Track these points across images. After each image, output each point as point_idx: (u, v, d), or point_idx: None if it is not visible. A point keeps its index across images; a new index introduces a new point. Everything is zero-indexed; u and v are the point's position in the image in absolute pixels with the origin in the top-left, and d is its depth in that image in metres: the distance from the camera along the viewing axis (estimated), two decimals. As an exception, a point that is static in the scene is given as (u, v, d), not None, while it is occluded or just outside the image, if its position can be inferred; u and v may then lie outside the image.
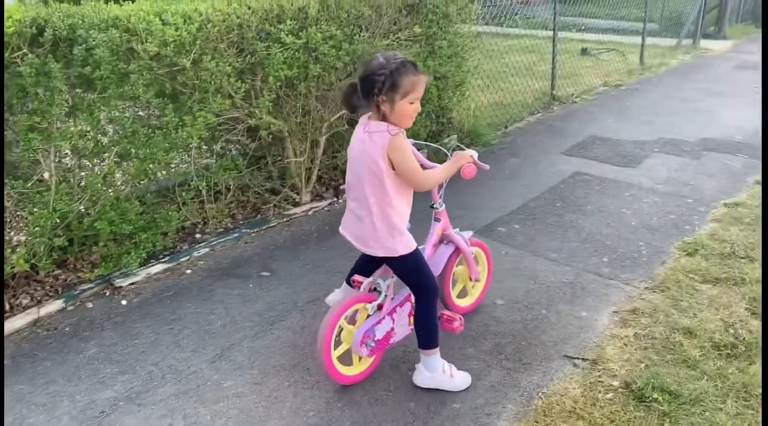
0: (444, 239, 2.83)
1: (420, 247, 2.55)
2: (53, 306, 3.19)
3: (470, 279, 3.01)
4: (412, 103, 2.24)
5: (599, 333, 2.92)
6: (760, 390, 2.48)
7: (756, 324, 2.92)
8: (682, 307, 3.07)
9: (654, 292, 3.24)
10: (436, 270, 2.73)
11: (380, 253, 2.41)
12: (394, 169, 2.27)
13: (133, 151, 3.43)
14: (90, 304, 3.25)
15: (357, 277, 2.62)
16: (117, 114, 3.31)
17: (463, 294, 3.11)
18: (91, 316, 3.15)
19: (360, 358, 2.61)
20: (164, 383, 2.65)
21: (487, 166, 2.58)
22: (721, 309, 3.04)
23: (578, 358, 2.74)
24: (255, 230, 4.08)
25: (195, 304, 3.24)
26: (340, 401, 2.52)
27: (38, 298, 3.23)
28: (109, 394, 2.59)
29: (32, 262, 3.18)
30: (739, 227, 3.94)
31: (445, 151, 2.73)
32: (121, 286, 3.39)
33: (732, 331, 2.87)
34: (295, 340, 2.93)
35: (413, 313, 2.59)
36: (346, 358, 2.59)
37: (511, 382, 2.60)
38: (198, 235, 3.98)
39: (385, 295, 2.56)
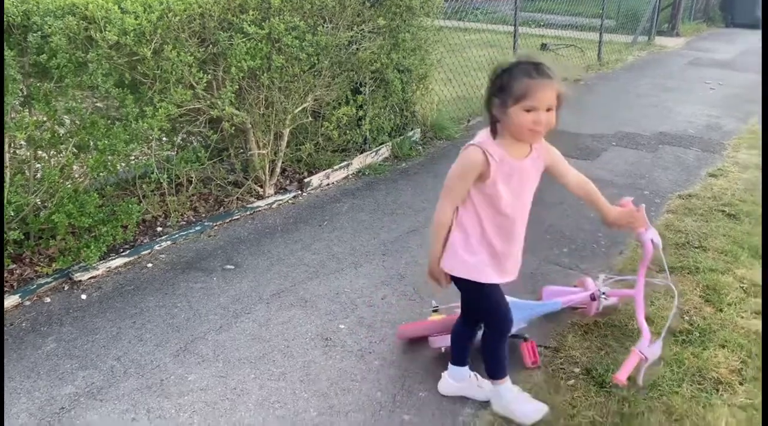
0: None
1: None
2: (9, 301, 3.10)
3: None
4: (528, 111, 1.93)
5: (561, 321, 2.98)
6: (713, 373, 2.58)
7: (709, 311, 3.02)
8: (640, 295, 3.16)
9: (613, 281, 3.32)
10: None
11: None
12: (482, 182, 2.10)
13: (91, 142, 3.35)
14: (48, 299, 3.18)
15: None
16: (75, 104, 3.22)
17: None
18: (50, 311, 3.07)
19: None
20: (127, 378, 2.61)
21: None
22: (677, 297, 3.14)
23: (541, 346, 2.79)
24: (218, 223, 4.04)
25: (157, 298, 3.19)
26: (306, 392, 2.52)
27: (-7, 293, 3.14)
28: (69, 389, 2.54)
29: (-14, 256, 3.09)
30: (693, 218, 4.07)
31: None
32: (80, 280, 3.32)
33: (687, 317, 2.97)
34: (260, 332, 2.91)
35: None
36: None
37: (476, 369, 2.64)
38: (159, 228, 3.91)
39: None
